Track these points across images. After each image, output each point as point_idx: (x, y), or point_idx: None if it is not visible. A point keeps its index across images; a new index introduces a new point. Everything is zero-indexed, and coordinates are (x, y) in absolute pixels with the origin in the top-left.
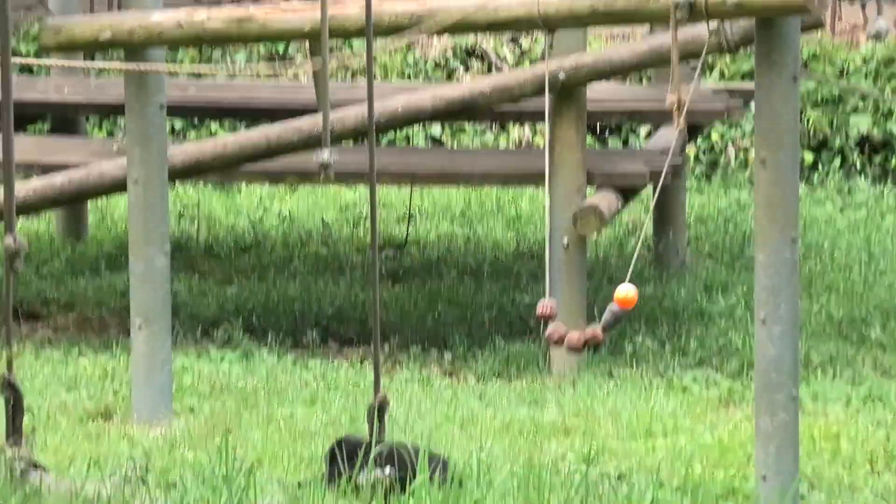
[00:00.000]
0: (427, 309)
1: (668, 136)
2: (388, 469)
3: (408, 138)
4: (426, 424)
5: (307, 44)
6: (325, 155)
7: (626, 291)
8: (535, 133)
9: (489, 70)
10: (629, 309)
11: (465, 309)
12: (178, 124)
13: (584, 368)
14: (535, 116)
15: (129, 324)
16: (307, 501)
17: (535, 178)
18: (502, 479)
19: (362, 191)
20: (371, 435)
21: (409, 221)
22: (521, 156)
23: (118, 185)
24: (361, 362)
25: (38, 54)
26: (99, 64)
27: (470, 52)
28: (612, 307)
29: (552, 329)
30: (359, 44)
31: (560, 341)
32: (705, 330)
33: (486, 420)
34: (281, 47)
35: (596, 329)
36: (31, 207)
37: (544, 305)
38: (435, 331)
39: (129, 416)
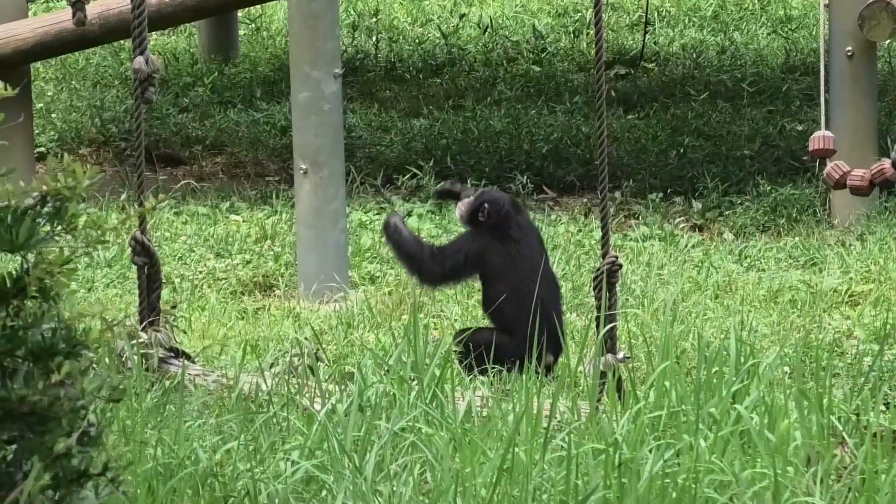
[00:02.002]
0: (669, 144)
1: None
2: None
3: None
4: (669, 294)
5: None
6: None
7: None
8: None
9: None
10: None
11: (718, 143)
12: None
13: (874, 218)
14: None
15: (293, 169)
16: (517, 393)
17: None
18: (768, 364)
19: None
20: (599, 309)
21: (645, 28)
22: None
23: None
24: (586, 215)
25: None
26: None
27: None
28: None
29: (831, 167)
30: None
31: (842, 182)
32: None
33: (747, 287)
34: None
35: (885, 164)
36: (168, 19)
37: (820, 137)
38: (680, 172)
39: (295, 288)
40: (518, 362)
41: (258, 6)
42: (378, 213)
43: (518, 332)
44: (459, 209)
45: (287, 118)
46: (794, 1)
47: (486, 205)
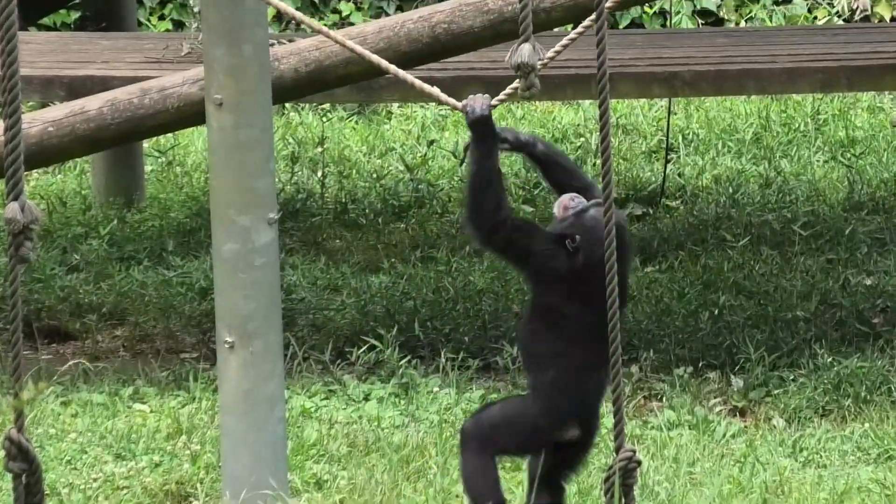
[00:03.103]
0: (700, 303)
1: None
2: None
3: (664, 15)
4: (703, 498)
5: None
6: (524, 53)
7: None
8: None
9: None
10: None
11: (763, 302)
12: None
13: None
14: None
15: (215, 342)
16: None
17: (883, 74)
18: None
19: (589, 108)
20: None
21: (667, 156)
22: (861, 36)
23: (190, 113)
24: None
25: None
26: None
27: None
28: None
29: None
30: None
31: None
32: None
33: (803, 489)
34: None
35: None
36: (53, 153)
37: None
38: (714, 340)
39: (219, 497)
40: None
41: (169, 135)
42: (326, 398)
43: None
44: (557, 207)
45: (208, 277)
46: (859, 119)
47: (577, 237)
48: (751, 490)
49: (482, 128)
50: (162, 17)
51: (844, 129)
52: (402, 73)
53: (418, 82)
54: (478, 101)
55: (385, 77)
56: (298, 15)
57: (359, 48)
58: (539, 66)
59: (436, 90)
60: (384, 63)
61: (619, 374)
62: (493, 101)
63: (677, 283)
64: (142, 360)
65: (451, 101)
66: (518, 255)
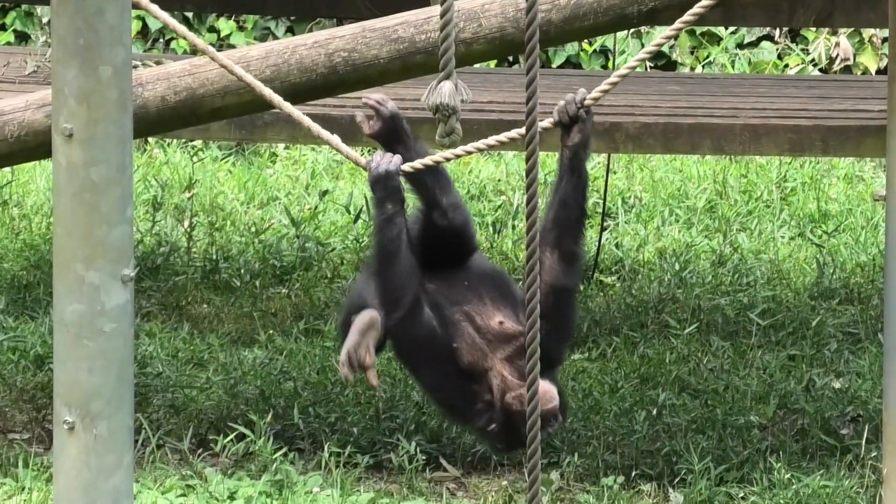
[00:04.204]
0: (636, 400)
1: None
2: None
3: (605, 54)
4: None
5: None
6: (444, 92)
7: None
8: (862, 46)
9: None
10: None
11: (711, 402)
12: (154, 21)
13: None
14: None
15: (51, 422)
16: None
17: (864, 137)
18: None
19: (513, 161)
20: None
21: (602, 223)
22: (841, 90)
23: (33, 144)
24: None
25: None
26: None
27: None
28: None
29: None
30: None
31: None
32: None
33: None
34: None
35: None
36: None
37: None
38: (651, 445)
39: None
40: None
41: (5, 169)
42: (183, 495)
43: None
44: None
45: (46, 342)
46: (833, 189)
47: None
48: None
49: (385, 188)
50: (2, 28)
51: (815, 200)
52: (292, 110)
53: (311, 123)
54: (385, 159)
55: (270, 112)
56: (181, 28)
57: (248, 76)
58: (460, 109)
59: (334, 138)
60: (275, 98)
61: (536, 482)
62: (405, 167)
63: (610, 375)
64: None
65: (350, 152)
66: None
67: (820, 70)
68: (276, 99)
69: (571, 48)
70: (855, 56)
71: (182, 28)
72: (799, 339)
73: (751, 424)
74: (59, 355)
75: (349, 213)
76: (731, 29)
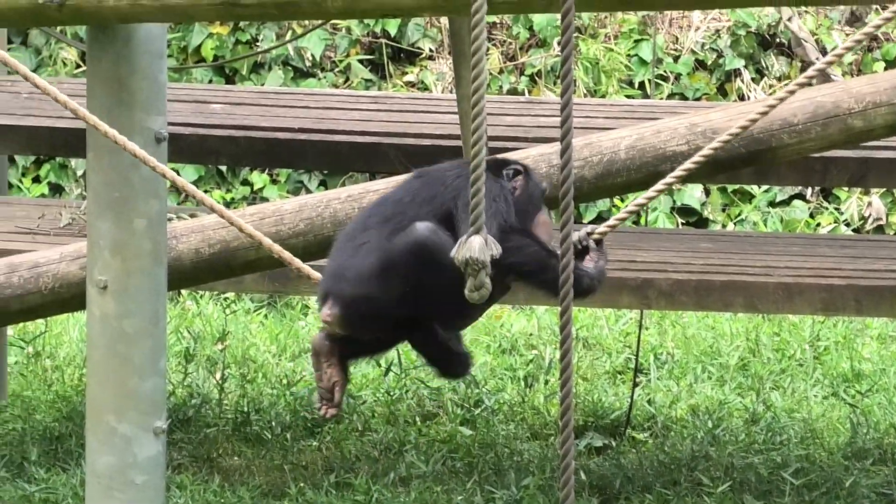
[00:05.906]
0: None
1: None
2: None
3: (637, 211)
4: None
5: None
6: (474, 247)
7: None
8: (895, 206)
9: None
10: None
11: None
12: (191, 172)
13: None
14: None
15: None
16: None
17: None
18: None
19: (545, 316)
20: None
21: (635, 380)
22: (874, 250)
23: (67, 296)
24: None
25: None
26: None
27: (768, 39)
28: None
29: None
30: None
31: None
32: None
33: None
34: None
35: None
36: None
37: None
38: None
39: None
40: None
41: (39, 321)
42: None
43: None
44: None
45: (78, 495)
46: (867, 349)
47: None
48: None
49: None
50: (37, 180)
51: (849, 359)
52: (302, 265)
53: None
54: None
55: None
56: (191, 188)
57: (257, 233)
58: (489, 264)
59: None
60: (285, 254)
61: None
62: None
63: None
64: None
65: None
66: None
67: (853, 230)
68: (286, 255)
69: (603, 204)
70: (887, 216)
71: (192, 188)
72: (832, 498)
73: None
74: None
75: (380, 366)
76: (764, 187)
